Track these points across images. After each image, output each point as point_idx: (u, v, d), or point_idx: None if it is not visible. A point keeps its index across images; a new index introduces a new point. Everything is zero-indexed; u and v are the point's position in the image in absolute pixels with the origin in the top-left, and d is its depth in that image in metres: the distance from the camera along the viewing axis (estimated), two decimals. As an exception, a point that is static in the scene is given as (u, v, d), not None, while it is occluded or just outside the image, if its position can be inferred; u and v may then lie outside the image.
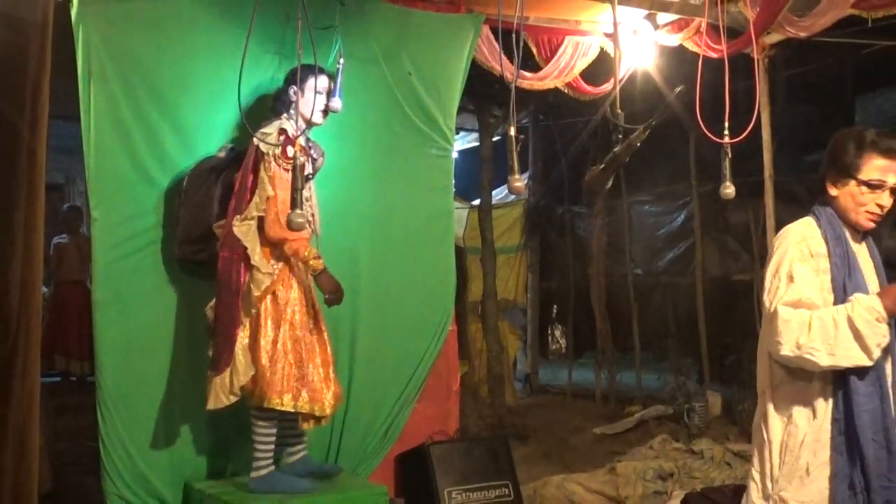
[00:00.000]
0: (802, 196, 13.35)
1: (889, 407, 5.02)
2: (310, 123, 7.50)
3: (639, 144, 4.74)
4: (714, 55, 7.68)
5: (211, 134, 7.88)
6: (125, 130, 7.61)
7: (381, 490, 7.83)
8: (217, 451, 8.06)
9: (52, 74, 2.46)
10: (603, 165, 4.84)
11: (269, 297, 7.31)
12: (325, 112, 7.51)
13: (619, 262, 16.72)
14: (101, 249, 7.55)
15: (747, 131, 6.07)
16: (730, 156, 6.11)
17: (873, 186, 5.05)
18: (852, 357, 4.90)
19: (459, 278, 9.79)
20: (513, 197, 15.94)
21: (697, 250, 15.08)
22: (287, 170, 7.19)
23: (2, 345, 2.37)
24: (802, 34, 8.77)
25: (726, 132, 6.04)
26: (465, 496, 8.31)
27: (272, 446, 7.52)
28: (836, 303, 4.99)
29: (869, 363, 4.91)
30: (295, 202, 6.89)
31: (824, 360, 4.94)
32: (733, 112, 6.07)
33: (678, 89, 5.18)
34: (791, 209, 12.47)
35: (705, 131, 5.90)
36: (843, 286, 5.00)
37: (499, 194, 15.61)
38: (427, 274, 8.84)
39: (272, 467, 7.53)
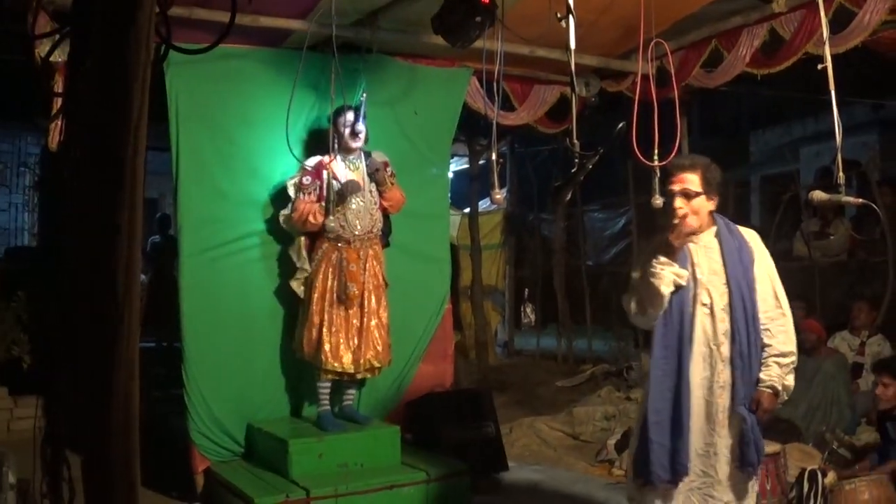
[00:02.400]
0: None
1: (683, 377, 5.01)
2: (347, 149, 7.60)
3: (591, 167, 4.72)
4: (647, 99, 7.69)
5: (268, 159, 7.95)
6: (202, 158, 7.72)
7: (394, 429, 7.90)
8: (272, 399, 8.11)
9: (148, 116, 2.47)
10: (563, 182, 4.83)
11: (309, 283, 7.63)
12: (355, 135, 7.59)
13: (575, 256, 16.70)
14: (185, 247, 7.67)
15: (671, 157, 6.07)
16: (658, 175, 6.12)
17: (669, 194, 5.20)
18: (652, 299, 5.08)
19: (454, 269, 9.81)
20: (494, 206, 15.85)
21: (635, 247, 15.05)
22: (307, 193, 7.41)
23: (112, 317, 2.38)
24: (710, 85, 8.81)
25: (655, 157, 6.04)
26: (458, 434, 8.30)
27: (323, 391, 7.79)
28: None
29: (663, 297, 5.03)
30: (328, 211, 7.11)
31: (642, 310, 5.18)
32: (660, 142, 6.07)
33: (620, 125, 5.16)
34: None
35: (639, 157, 5.89)
36: None
37: (483, 204, 15.54)
38: (429, 265, 8.86)
39: (326, 407, 7.81)
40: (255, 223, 7.95)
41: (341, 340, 7.55)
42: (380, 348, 7.69)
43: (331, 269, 7.57)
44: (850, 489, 6.35)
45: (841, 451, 7.69)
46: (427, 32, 7.13)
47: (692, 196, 5.10)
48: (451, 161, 11.48)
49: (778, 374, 5.04)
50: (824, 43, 5.61)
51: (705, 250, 5.16)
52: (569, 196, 4.84)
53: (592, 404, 11.09)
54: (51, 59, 4.31)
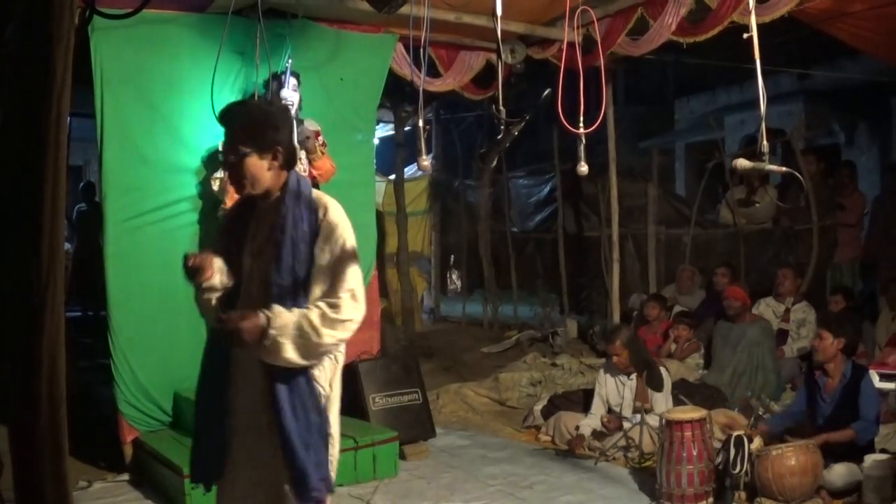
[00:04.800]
0: (637, 172, 13.45)
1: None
2: None
3: (516, 133, 4.73)
4: (572, 67, 7.73)
5: (193, 126, 7.93)
6: (127, 125, 7.67)
7: (322, 396, 7.90)
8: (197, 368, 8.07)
9: (72, 81, 2.44)
10: (489, 149, 4.84)
11: None
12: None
13: (501, 222, 16.70)
14: (110, 214, 7.63)
15: (596, 124, 6.12)
16: (584, 142, 6.15)
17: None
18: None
19: (379, 235, 9.84)
20: (420, 173, 15.85)
21: (559, 214, 15.11)
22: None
23: (36, 288, 2.36)
24: (636, 53, 8.87)
25: (581, 124, 6.07)
26: (385, 400, 8.34)
27: None
28: None
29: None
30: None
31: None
32: (586, 110, 6.10)
33: (545, 93, 5.18)
34: (627, 182, 12.58)
35: (565, 124, 5.91)
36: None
37: (409, 171, 15.53)
38: (354, 231, 8.84)
39: None
40: (180, 190, 7.92)
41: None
42: None
43: None
44: (777, 455, 6.45)
45: (766, 417, 7.80)
46: (353, -2, 7.11)
47: (241, 156, 4.25)
48: (377, 127, 11.46)
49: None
50: (750, 12, 5.68)
51: (267, 219, 4.41)
52: (494, 162, 4.82)
53: (518, 370, 11.15)
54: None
